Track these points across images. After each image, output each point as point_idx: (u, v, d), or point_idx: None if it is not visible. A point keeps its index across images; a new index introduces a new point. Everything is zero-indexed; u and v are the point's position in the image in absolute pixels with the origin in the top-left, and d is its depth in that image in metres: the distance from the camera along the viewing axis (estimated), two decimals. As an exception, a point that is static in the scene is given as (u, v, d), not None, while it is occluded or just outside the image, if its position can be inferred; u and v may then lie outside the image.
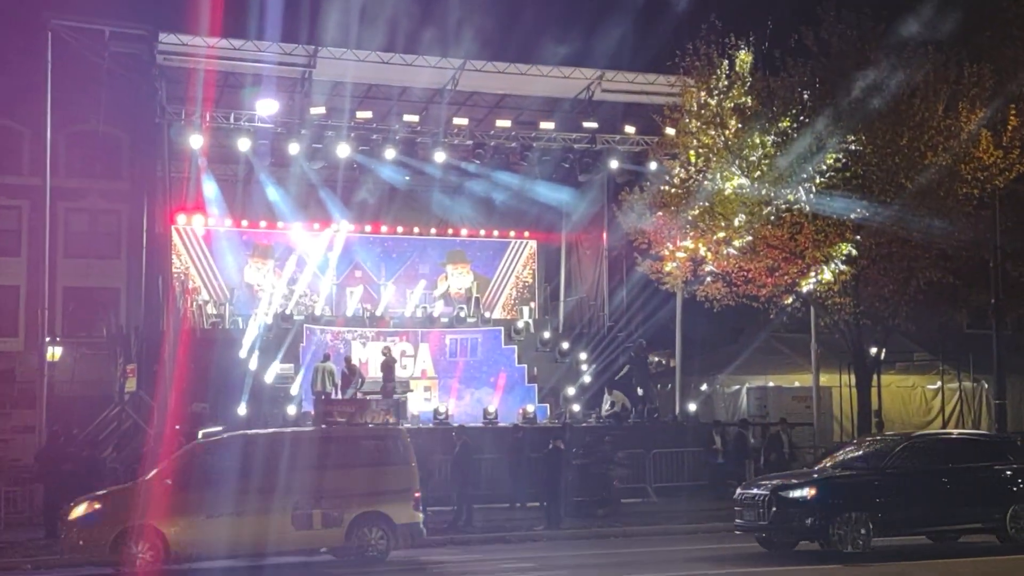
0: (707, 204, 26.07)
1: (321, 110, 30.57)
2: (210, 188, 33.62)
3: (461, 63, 30.80)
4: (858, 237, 25.06)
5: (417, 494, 17.98)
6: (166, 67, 29.69)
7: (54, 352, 32.71)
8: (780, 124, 25.08)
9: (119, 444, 25.28)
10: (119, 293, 37.37)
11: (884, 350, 28.09)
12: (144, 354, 28.59)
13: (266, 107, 30.26)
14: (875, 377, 28.33)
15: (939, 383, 34.01)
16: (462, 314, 34.27)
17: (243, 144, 30.52)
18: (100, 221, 39.68)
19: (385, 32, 31.55)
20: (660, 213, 27.69)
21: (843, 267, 25.24)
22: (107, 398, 29.92)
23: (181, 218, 34.11)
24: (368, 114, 31.37)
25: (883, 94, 24.25)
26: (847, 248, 25.01)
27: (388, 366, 29.66)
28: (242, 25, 29.89)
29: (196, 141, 30.23)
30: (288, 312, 32.29)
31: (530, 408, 30.01)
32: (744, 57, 25.92)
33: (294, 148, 30.69)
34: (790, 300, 27.31)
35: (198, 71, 29.60)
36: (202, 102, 29.91)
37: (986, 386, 34.32)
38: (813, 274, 25.59)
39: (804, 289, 26.20)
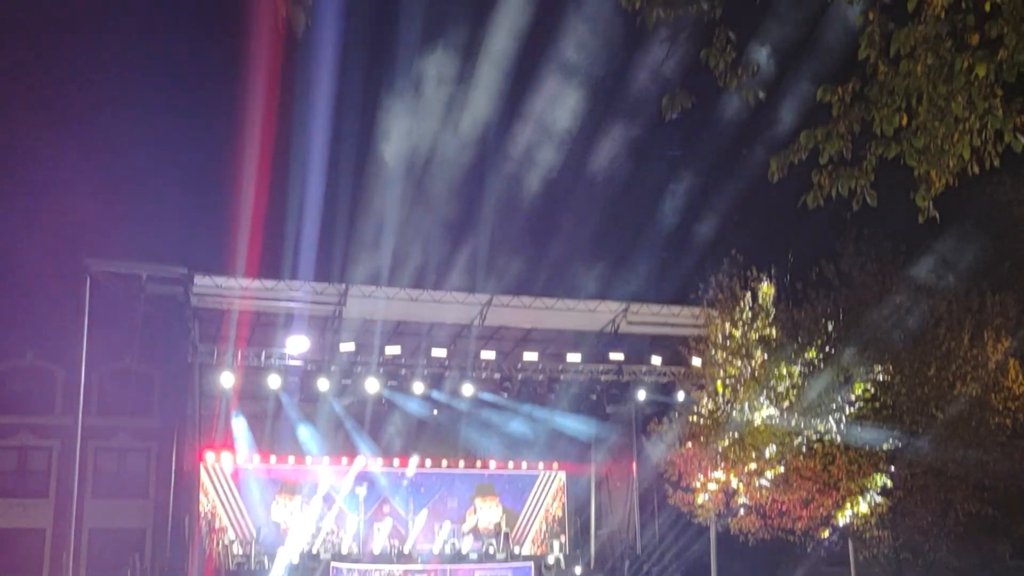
0: (737, 435, 25.89)
1: (351, 347, 30.99)
2: (239, 426, 33.77)
3: (488, 299, 31.38)
4: (892, 468, 24.66)
5: None
6: (200, 308, 30.37)
7: (77, 596, 32.07)
8: (806, 355, 25.15)
9: None
10: (145, 534, 36.96)
11: (928, 584, 27.17)
12: (168, 598, 28.01)
13: (297, 344, 30.74)
14: (920, 613, 27.30)
15: (987, 618, 32.61)
16: (491, 550, 33.58)
17: (273, 382, 30.84)
18: (129, 460, 39.71)
19: (415, 270, 32.44)
20: (689, 444, 27.47)
21: (879, 498, 24.75)
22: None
23: (210, 456, 34.08)
24: (397, 349, 31.74)
25: (907, 325, 24.41)
26: (882, 479, 24.60)
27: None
28: (276, 265, 30.82)
29: (227, 380, 30.55)
30: (315, 551, 31.73)
31: (563, 649, 28.98)
32: (766, 289, 26.32)
33: (323, 384, 30.97)
34: (827, 533, 26.65)
35: (231, 311, 30.30)
36: (235, 341, 30.45)
37: (1036, 621, 32.90)
38: (849, 506, 25.08)
39: (841, 522, 25.61)
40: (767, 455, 25.51)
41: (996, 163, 9.68)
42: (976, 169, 9.64)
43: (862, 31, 9.40)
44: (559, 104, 34.01)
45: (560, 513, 37.85)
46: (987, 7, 9.00)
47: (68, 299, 30.85)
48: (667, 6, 9.40)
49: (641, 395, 33.23)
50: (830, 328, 25.18)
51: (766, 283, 26.43)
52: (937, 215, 9.91)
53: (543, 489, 37.88)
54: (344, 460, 35.27)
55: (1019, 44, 8.96)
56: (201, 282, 29.47)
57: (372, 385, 31.34)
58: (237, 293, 29.75)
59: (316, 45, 30.52)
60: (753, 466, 25.78)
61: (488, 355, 32.57)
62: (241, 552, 32.40)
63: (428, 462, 36.62)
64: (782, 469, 25.44)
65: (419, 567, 32.40)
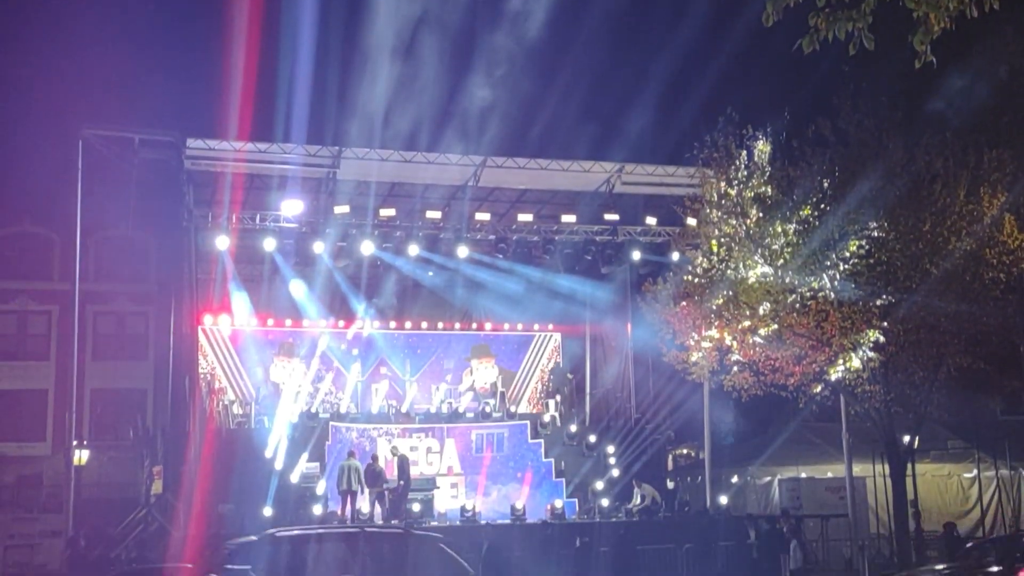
0: (731, 293, 25.95)
1: (345, 209, 30.90)
2: (236, 288, 33.92)
3: (482, 159, 31.18)
4: (885, 324, 24.78)
5: None
6: (193, 171, 30.22)
7: (81, 456, 32.72)
8: (801, 212, 25.04)
9: (138, 544, 24.99)
10: (146, 394, 37.56)
11: (917, 438, 27.63)
12: (170, 455, 28.56)
13: (291, 207, 30.66)
14: (909, 466, 27.82)
15: (975, 471, 33.34)
16: (488, 409, 34.06)
17: (268, 244, 30.82)
18: (127, 324, 40.13)
19: (408, 131, 32.10)
20: (684, 303, 27.57)
21: (871, 354, 24.96)
22: (134, 500, 29.82)
23: (208, 319, 34.32)
24: (392, 212, 31.68)
25: (903, 180, 24.24)
26: (874, 335, 24.76)
27: (401, 465, 29.33)
28: (268, 128, 30.55)
29: (222, 243, 30.57)
30: (313, 410, 32.22)
31: (558, 503, 29.62)
32: (762, 147, 26.06)
33: (319, 247, 30.97)
34: (819, 389, 26.99)
35: (225, 174, 30.13)
36: (229, 204, 30.34)
37: (1023, 474, 33.66)
38: (841, 362, 25.33)
39: (833, 377, 25.92)
40: (761, 313, 25.61)
41: (996, 5, 9.40)
42: (975, 12, 9.38)
43: None
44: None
45: (555, 373, 38.24)
46: None
47: (62, 165, 30.67)
48: None
49: (636, 255, 33.24)
50: (825, 185, 25.02)
51: (762, 141, 26.15)
52: (934, 60, 9.66)
53: (538, 350, 38.26)
54: (341, 322, 35.55)
55: None
56: (194, 145, 29.27)
57: (367, 247, 31.36)
58: (230, 155, 29.59)
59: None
60: (747, 324, 25.91)
61: (483, 216, 32.50)
62: (241, 412, 32.89)
63: (424, 324, 36.91)
64: (775, 326, 25.56)
65: (416, 426, 32.89)
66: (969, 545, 24.42)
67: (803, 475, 33.46)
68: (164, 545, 23.39)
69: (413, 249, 31.87)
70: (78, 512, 27.29)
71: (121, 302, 39.81)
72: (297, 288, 34.15)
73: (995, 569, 20.15)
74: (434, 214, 32.00)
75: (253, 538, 17.46)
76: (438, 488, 30.52)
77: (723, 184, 26.37)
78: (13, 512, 33.97)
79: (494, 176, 32.00)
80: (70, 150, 29.48)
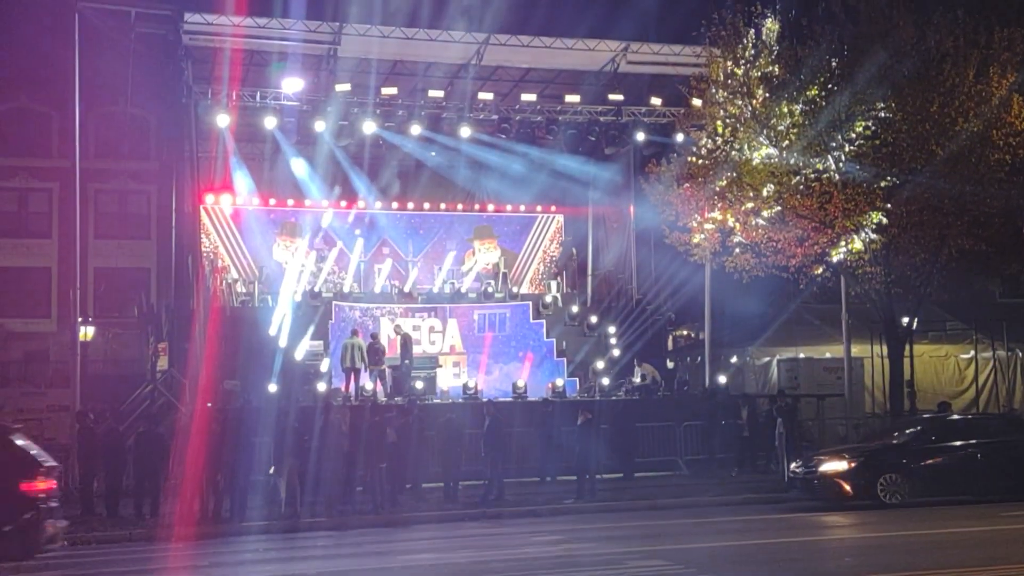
0: (735, 175, 25.89)
1: (346, 87, 30.53)
2: (237, 167, 33.77)
3: (485, 37, 30.70)
4: (888, 205, 24.77)
5: None
6: (192, 47, 29.77)
7: (86, 332, 33.00)
8: (808, 92, 24.79)
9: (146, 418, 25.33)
10: (149, 273, 37.74)
11: (916, 319, 27.86)
12: (175, 332, 28.81)
13: (292, 85, 30.32)
14: (907, 347, 28.10)
15: (972, 352, 33.71)
16: (490, 289, 34.22)
17: (269, 122, 30.57)
18: (129, 202, 40.09)
19: (409, 8, 31.52)
20: (687, 184, 27.49)
21: (873, 236, 25.00)
22: (139, 376, 30.14)
23: (209, 197, 34.25)
24: (393, 90, 31.35)
25: (912, 60, 23.95)
26: (877, 217, 24.77)
27: (404, 344, 29.64)
28: (267, 3, 29.97)
29: (223, 120, 30.32)
30: (317, 289, 32.39)
31: (559, 382, 29.98)
32: (771, 25, 25.68)
33: (320, 125, 30.73)
34: (820, 270, 27.11)
35: (224, 50, 29.63)
36: (228, 81, 29.92)
37: (1020, 355, 34.03)
38: (843, 243, 25.39)
39: (834, 259, 26.02)
40: (764, 194, 25.60)
41: None
42: None
43: None
44: None
45: (557, 254, 38.34)
46: None
47: (59, 39, 30.17)
48: None
49: (640, 136, 32.94)
50: (834, 64, 24.72)
51: (770, 19, 25.75)
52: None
53: (541, 231, 38.23)
54: (343, 202, 35.48)
55: None
56: (191, 19, 28.76)
57: (369, 126, 31.11)
58: (228, 31, 29.05)
59: None
60: (750, 205, 25.91)
61: (486, 96, 32.13)
62: (244, 291, 33.08)
63: (427, 204, 36.84)
64: (779, 208, 25.59)
65: (419, 306, 33.13)
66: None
67: (801, 355, 33.82)
68: (171, 420, 23.71)
69: (415, 128, 31.61)
70: (85, 387, 27.58)
71: (122, 180, 39.67)
72: (299, 167, 34.01)
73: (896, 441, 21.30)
74: (436, 93, 31.64)
75: None
76: (440, 367, 30.86)
77: (730, 64, 26.05)
78: (21, 387, 34.34)
79: (497, 54, 31.54)
80: (67, 23, 28.99)
